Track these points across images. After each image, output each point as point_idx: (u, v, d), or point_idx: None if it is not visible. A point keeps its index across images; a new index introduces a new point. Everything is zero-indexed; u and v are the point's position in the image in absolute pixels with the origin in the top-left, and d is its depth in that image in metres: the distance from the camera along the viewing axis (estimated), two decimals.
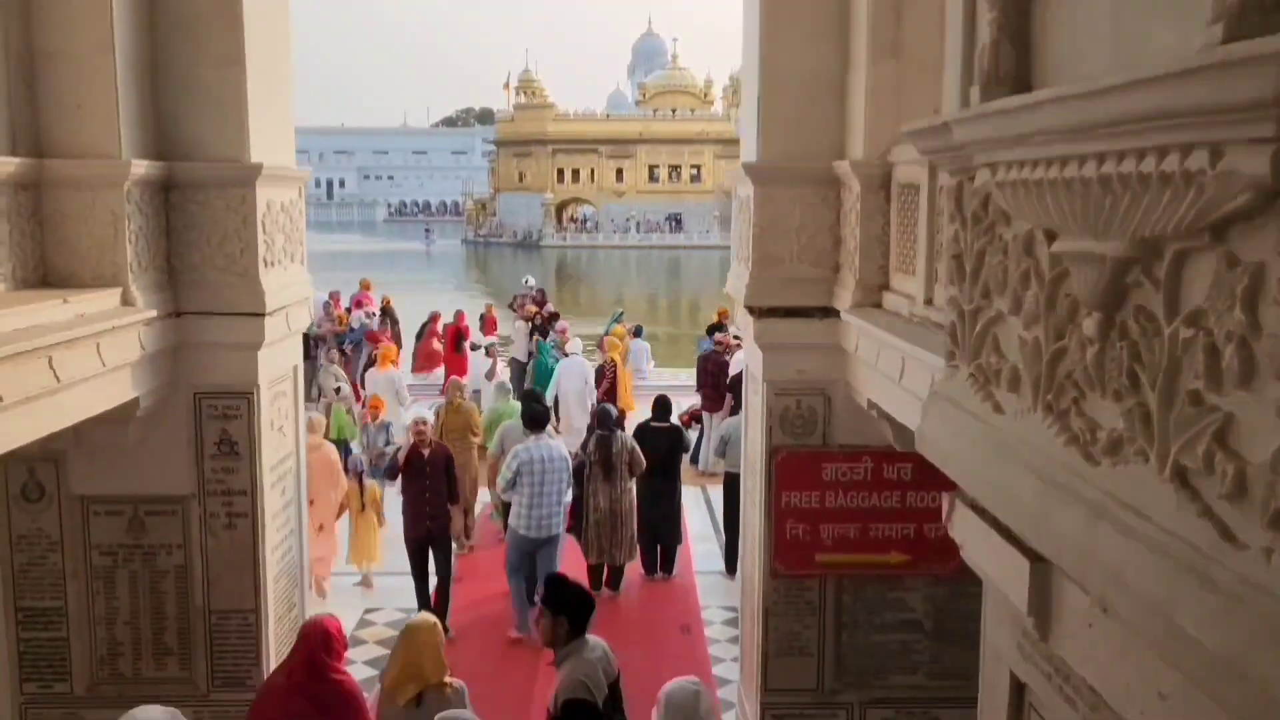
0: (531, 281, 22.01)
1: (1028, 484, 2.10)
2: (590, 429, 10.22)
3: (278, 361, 5.81)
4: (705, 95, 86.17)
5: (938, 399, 2.62)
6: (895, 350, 4.36)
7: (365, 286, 21.31)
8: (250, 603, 5.75)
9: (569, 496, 9.04)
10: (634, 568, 10.04)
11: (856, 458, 5.63)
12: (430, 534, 8.55)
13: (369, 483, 9.69)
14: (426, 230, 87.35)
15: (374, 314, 19.31)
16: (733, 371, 14.02)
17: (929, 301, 4.28)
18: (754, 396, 5.99)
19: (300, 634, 4.71)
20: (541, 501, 8.53)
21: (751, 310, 5.56)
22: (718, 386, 14.13)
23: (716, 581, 10.13)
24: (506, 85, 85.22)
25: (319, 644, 4.56)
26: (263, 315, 5.43)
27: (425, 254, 69.26)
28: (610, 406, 10.18)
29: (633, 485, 10.31)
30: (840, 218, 5.39)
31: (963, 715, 5.92)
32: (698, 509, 12.30)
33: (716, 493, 11.73)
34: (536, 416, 9.21)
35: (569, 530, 10.72)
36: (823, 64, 5.32)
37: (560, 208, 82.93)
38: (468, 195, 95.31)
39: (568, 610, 4.67)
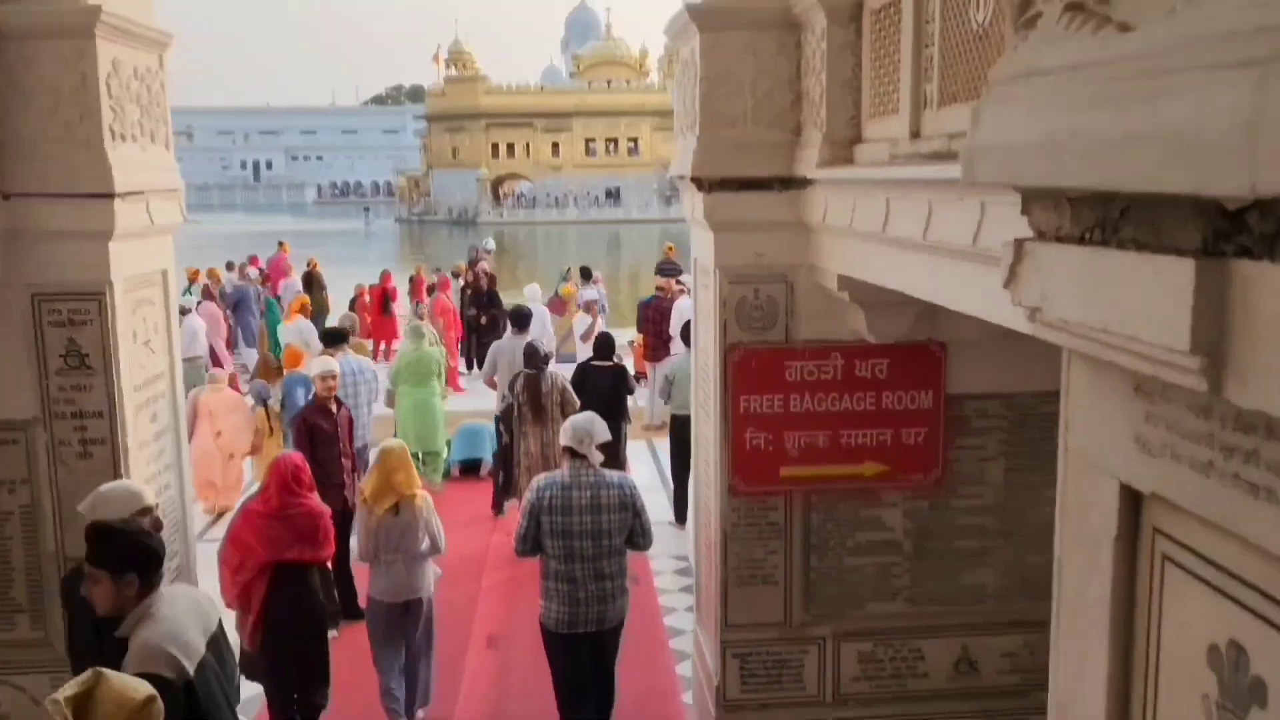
0: (491, 245, 20.79)
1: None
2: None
3: (138, 259, 4.88)
4: (641, 66, 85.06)
5: (1002, 88, 1.80)
6: (878, 193, 3.59)
7: (283, 248, 20.15)
8: None
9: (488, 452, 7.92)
10: None
11: (824, 354, 4.87)
12: (347, 505, 7.03)
13: (272, 405, 9.22)
14: (365, 209, 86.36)
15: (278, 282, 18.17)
16: (676, 319, 13.27)
17: (916, 134, 3.50)
18: (704, 290, 5.20)
19: (271, 468, 5.42)
20: None
21: (699, 183, 4.75)
22: (660, 334, 13.38)
23: (665, 531, 9.34)
24: (436, 57, 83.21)
25: (290, 475, 5.30)
26: (112, 196, 4.49)
27: (364, 233, 67.56)
28: (537, 342, 9.32)
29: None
30: (801, 68, 4.60)
31: (946, 645, 5.21)
32: (644, 461, 11.57)
33: (664, 446, 11.01)
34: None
35: (497, 482, 9.90)
36: None
37: (496, 184, 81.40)
38: (400, 173, 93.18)
39: (136, 564, 3.42)
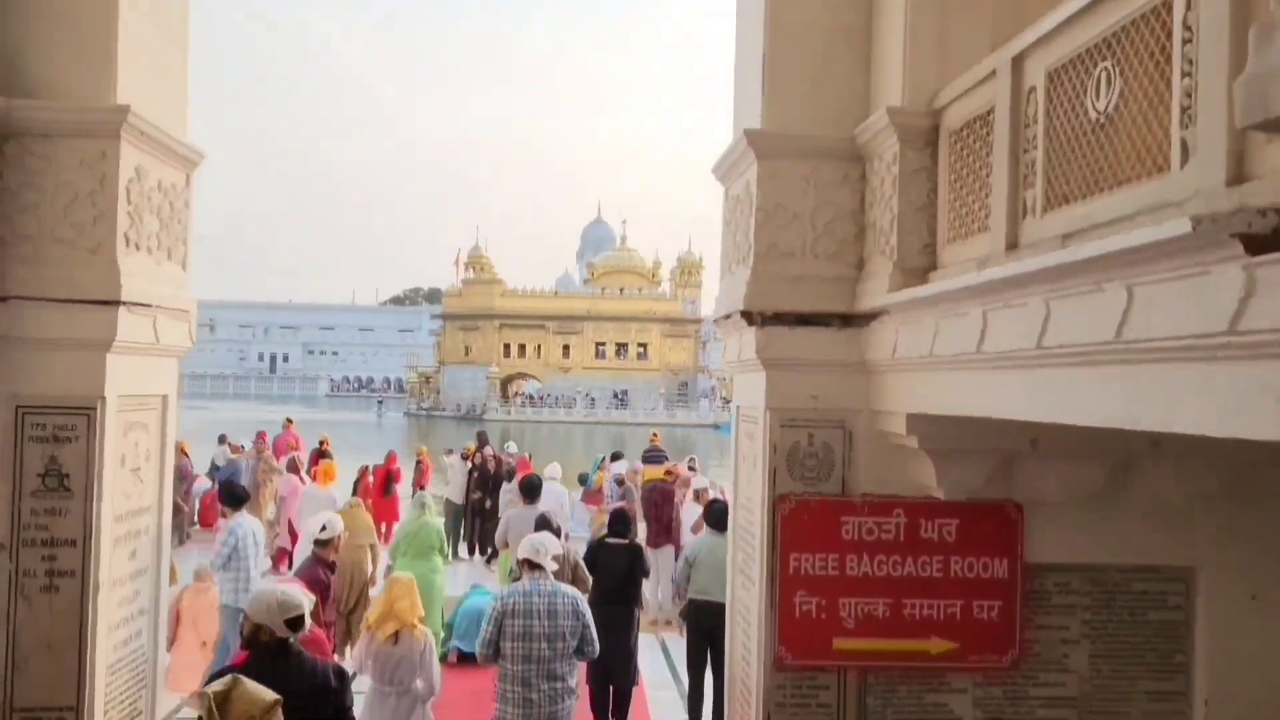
0: (513, 448, 19.13)
1: None
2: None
3: (137, 378, 4.48)
4: (653, 275, 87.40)
5: None
6: (971, 307, 3.21)
7: (289, 425, 19.80)
8: (68, 698, 4.20)
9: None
10: (581, 713, 8.40)
11: (885, 509, 4.36)
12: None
13: None
14: (380, 402, 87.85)
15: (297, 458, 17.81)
16: (684, 509, 12.76)
17: (1013, 246, 3.15)
18: (747, 439, 4.74)
19: None
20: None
21: (751, 317, 4.39)
22: (661, 519, 12.83)
23: None
24: (457, 261, 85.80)
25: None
26: (117, 304, 4.14)
27: (378, 424, 67.78)
28: (549, 513, 8.77)
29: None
30: (866, 199, 4.33)
31: None
32: (654, 657, 10.70)
33: (674, 642, 10.26)
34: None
35: None
36: (841, 15, 4.38)
37: (506, 382, 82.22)
38: (412, 368, 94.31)
39: None
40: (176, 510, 12.74)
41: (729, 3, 5.24)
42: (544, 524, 8.53)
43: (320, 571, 7.01)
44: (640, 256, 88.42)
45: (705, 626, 8.84)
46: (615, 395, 79.43)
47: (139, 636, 4.70)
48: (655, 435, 18.26)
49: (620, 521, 9.21)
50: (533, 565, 5.48)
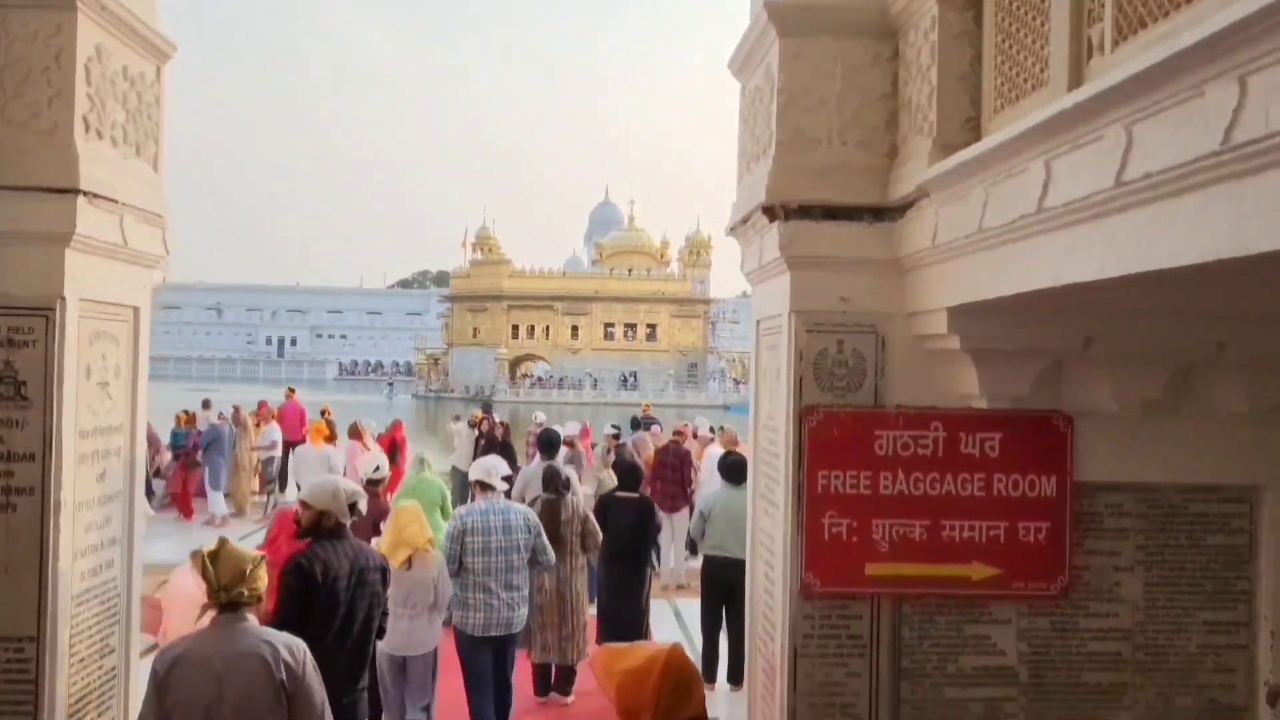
0: (541, 418, 19.03)
1: None
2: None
3: (102, 283, 4.10)
4: (661, 256, 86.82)
5: None
6: (1033, 160, 2.80)
7: (292, 395, 19.45)
8: (28, 627, 3.84)
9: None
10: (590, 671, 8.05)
11: (922, 422, 3.97)
12: None
13: None
14: (389, 384, 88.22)
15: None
16: (708, 465, 12.37)
17: (1077, 83, 2.73)
18: (769, 351, 4.35)
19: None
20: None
21: (773, 212, 3.99)
22: (681, 481, 12.45)
23: None
24: (464, 242, 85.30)
25: None
26: (75, 194, 3.76)
27: (387, 406, 67.77)
28: (557, 466, 8.40)
29: (586, 565, 8.46)
30: (900, 78, 3.92)
31: None
32: (667, 622, 10.31)
33: (687, 606, 9.92)
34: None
35: None
36: None
37: (514, 364, 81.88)
38: (420, 351, 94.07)
39: None
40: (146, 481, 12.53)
41: None
42: (553, 476, 8.18)
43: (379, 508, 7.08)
44: (648, 236, 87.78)
45: (720, 584, 8.46)
46: (624, 377, 79.04)
47: (110, 567, 4.34)
48: (647, 406, 18.62)
49: (630, 475, 8.85)
50: (484, 486, 6.40)
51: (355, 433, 14.52)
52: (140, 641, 9.08)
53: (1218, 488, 4.07)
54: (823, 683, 3.95)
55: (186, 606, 8.55)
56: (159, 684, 3.39)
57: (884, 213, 3.93)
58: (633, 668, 2.40)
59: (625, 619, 8.23)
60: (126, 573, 4.48)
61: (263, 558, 3.67)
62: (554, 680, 8.10)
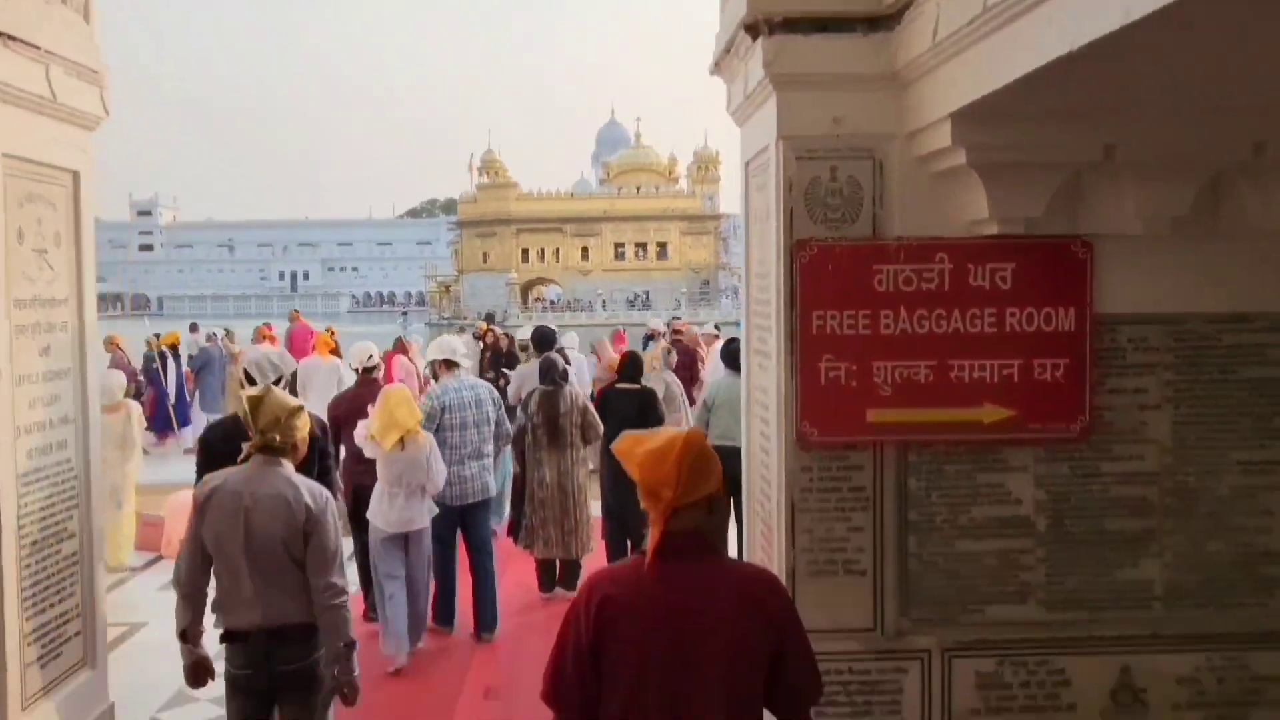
0: (573, 338, 18.92)
1: None
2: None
3: (31, 140, 3.79)
4: (670, 173, 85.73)
5: None
6: None
7: (294, 318, 19.18)
8: None
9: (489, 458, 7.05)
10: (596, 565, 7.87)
11: (926, 253, 3.62)
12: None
13: None
14: (404, 313, 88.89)
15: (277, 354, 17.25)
16: (709, 361, 12.08)
17: None
18: (759, 191, 3.99)
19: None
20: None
21: (756, 28, 3.59)
22: (688, 379, 12.25)
23: None
24: (470, 166, 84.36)
25: None
26: None
27: (403, 334, 67.98)
28: (556, 356, 8.12)
29: (588, 457, 8.23)
30: None
31: (1100, 666, 3.76)
32: None
33: None
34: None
35: (508, 521, 8.56)
36: None
37: (526, 288, 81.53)
38: (432, 278, 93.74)
39: None
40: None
41: None
42: (550, 366, 7.91)
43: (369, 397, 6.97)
44: (656, 154, 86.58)
45: (726, 473, 8.24)
46: (636, 297, 78.58)
47: (63, 448, 4.09)
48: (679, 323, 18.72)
49: (631, 364, 8.56)
50: (449, 364, 7.00)
51: (401, 348, 14.34)
52: (134, 557, 8.97)
53: (1251, 316, 3.72)
54: (823, 538, 3.67)
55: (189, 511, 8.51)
56: (198, 510, 3.73)
57: (879, 21, 3.53)
58: (654, 448, 2.48)
59: (630, 512, 8.03)
60: (83, 456, 4.23)
61: (301, 408, 3.92)
62: (559, 576, 7.93)
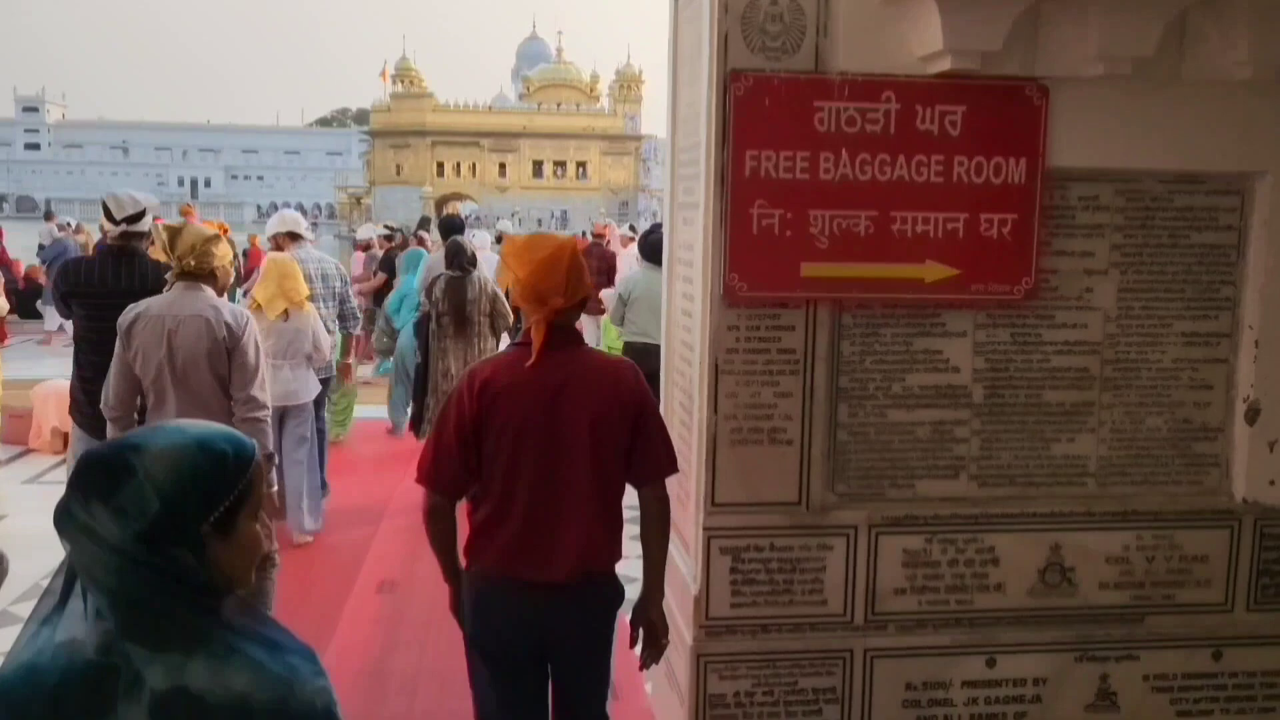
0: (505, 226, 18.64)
1: None
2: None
3: None
4: (591, 90, 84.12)
5: None
6: None
7: (185, 212, 18.21)
8: None
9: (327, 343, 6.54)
10: None
11: (872, 91, 3.29)
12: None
13: None
14: (313, 224, 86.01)
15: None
16: (623, 262, 11.71)
17: None
18: (691, 19, 3.59)
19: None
20: None
21: None
22: (600, 287, 11.90)
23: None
24: (384, 74, 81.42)
25: None
26: None
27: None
28: (464, 240, 7.65)
29: (497, 348, 7.83)
30: None
31: (1029, 544, 3.51)
32: None
33: None
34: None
35: (410, 416, 8.15)
36: None
37: (440, 203, 79.59)
38: (342, 189, 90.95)
39: None
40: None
41: None
42: (457, 250, 7.46)
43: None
44: (578, 70, 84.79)
45: (644, 370, 7.96)
46: (553, 215, 77.41)
47: None
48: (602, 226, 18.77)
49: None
50: (294, 236, 6.83)
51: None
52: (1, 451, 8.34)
53: (1205, 175, 3.49)
54: (748, 404, 3.38)
55: (58, 399, 7.91)
56: (123, 336, 3.96)
57: None
58: (544, 258, 2.79)
59: None
60: None
61: (218, 235, 4.13)
62: None
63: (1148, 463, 3.59)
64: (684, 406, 3.70)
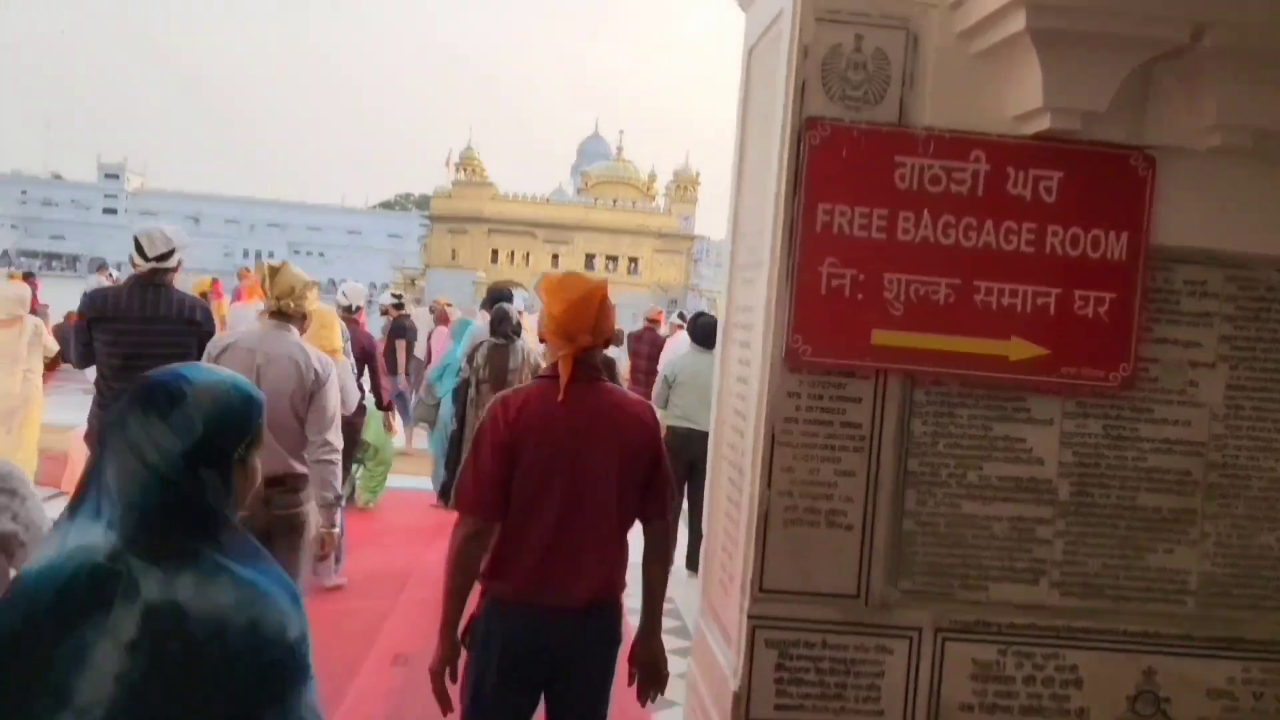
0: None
1: None
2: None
3: None
4: (648, 189, 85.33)
5: None
6: None
7: (243, 275, 18.40)
8: None
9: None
10: None
11: (960, 149, 3.01)
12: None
13: None
14: (369, 300, 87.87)
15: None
16: (667, 353, 11.49)
17: None
18: (771, 52, 3.36)
19: None
20: None
21: None
22: (650, 372, 11.69)
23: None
24: (448, 161, 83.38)
25: None
26: None
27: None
28: (509, 308, 7.45)
29: None
30: None
31: (1118, 666, 3.09)
32: None
33: None
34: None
35: (442, 484, 7.86)
36: None
37: (491, 288, 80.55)
38: (397, 269, 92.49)
39: None
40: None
41: None
42: (502, 318, 7.28)
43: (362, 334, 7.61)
44: (636, 169, 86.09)
45: (684, 458, 7.59)
46: None
47: None
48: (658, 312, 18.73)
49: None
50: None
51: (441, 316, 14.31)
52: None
53: None
54: (805, 480, 3.03)
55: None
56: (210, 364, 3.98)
57: None
58: (576, 299, 2.97)
59: None
60: None
61: (315, 283, 4.37)
62: None
63: (1258, 584, 3.17)
64: (733, 482, 3.35)
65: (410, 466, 10.15)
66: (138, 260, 4.81)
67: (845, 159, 2.98)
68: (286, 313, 4.23)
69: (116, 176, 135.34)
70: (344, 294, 8.26)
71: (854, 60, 2.99)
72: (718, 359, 3.77)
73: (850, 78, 3.00)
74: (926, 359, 3.03)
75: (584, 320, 2.96)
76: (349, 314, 7.99)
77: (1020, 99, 2.93)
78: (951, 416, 3.10)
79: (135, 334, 4.22)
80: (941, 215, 3.01)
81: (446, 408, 8.87)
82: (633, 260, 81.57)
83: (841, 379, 3.03)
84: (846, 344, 3.00)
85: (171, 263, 4.80)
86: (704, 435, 7.76)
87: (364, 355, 7.77)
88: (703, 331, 7.81)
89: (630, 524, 3.05)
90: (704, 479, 7.76)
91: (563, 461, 2.90)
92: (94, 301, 4.85)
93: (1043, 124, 2.89)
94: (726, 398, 3.57)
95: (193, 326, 4.77)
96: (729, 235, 3.76)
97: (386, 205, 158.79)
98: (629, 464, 2.97)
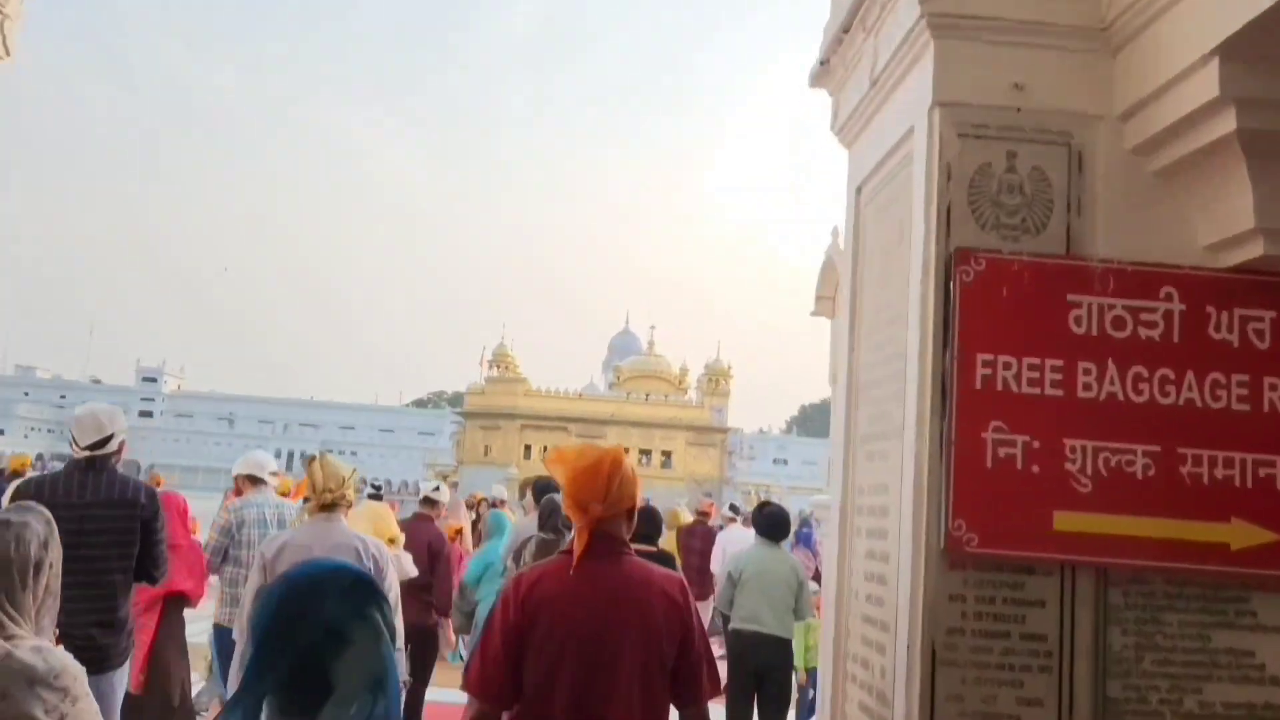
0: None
1: None
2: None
3: None
4: (680, 383, 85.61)
5: None
6: None
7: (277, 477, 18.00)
8: None
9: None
10: None
11: (1147, 285, 2.45)
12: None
13: None
14: (400, 501, 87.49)
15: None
16: (719, 550, 10.77)
17: None
18: (885, 191, 2.86)
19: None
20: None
21: None
22: (704, 569, 10.96)
23: None
24: (482, 360, 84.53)
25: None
26: None
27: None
28: (558, 497, 6.83)
29: None
30: None
31: None
32: None
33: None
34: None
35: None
36: None
37: (525, 485, 79.96)
38: (430, 467, 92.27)
39: None
40: None
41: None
42: (552, 511, 6.66)
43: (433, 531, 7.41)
44: (667, 363, 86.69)
45: (751, 665, 6.77)
46: None
47: None
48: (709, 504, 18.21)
49: (649, 522, 7.23)
50: (254, 480, 6.47)
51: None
52: None
53: None
54: (981, 713, 2.31)
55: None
56: (265, 565, 3.96)
57: None
58: (585, 466, 2.80)
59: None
60: None
61: (354, 470, 4.41)
62: None
63: None
64: (868, 710, 2.63)
65: (448, 678, 9.27)
66: (74, 447, 4.55)
67: (1005, 299, 2.42)
68: (334, 503, 4.25)
69: (154, 380, 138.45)
70: (433, 492, 8.40)
71: (1007, 182, 2.48)
72: (836, 551, 3.09)
73: (1005, 202, 2.47)
74: (1124, 548, 2.37)
75: (594, 489, 2.75)
76: (432, 508, 8.04)
77: (1218, 223, 2.38)
78: (1158, 623, 2.40)
79: (74, 520, 3.86)
80: (1130, 366, 2.41)
81: (484, 613, 8.12)
82: (666, 454, 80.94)
83: (1018, 576, 2.36)
84: (1023, 530, 2.35)
85: (110, 447, 4.53)
86: (775, 641, 6.95)
87: (432, 555, 7.58)
88: (770, 522, 7.11)
89: (667, 708, 2.75)
90: (777, 688, 6.85)
91: (575, 642, 2.65)
92: (29, 488, 4.51)
93: (1253, 250, 2.34)
94: (850, 602, 2.88)
95: (134, 509, 4.43)
96: (837, 401, 3.17)
97: (420, 403, 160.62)
98: (655, 644, 2.68)
